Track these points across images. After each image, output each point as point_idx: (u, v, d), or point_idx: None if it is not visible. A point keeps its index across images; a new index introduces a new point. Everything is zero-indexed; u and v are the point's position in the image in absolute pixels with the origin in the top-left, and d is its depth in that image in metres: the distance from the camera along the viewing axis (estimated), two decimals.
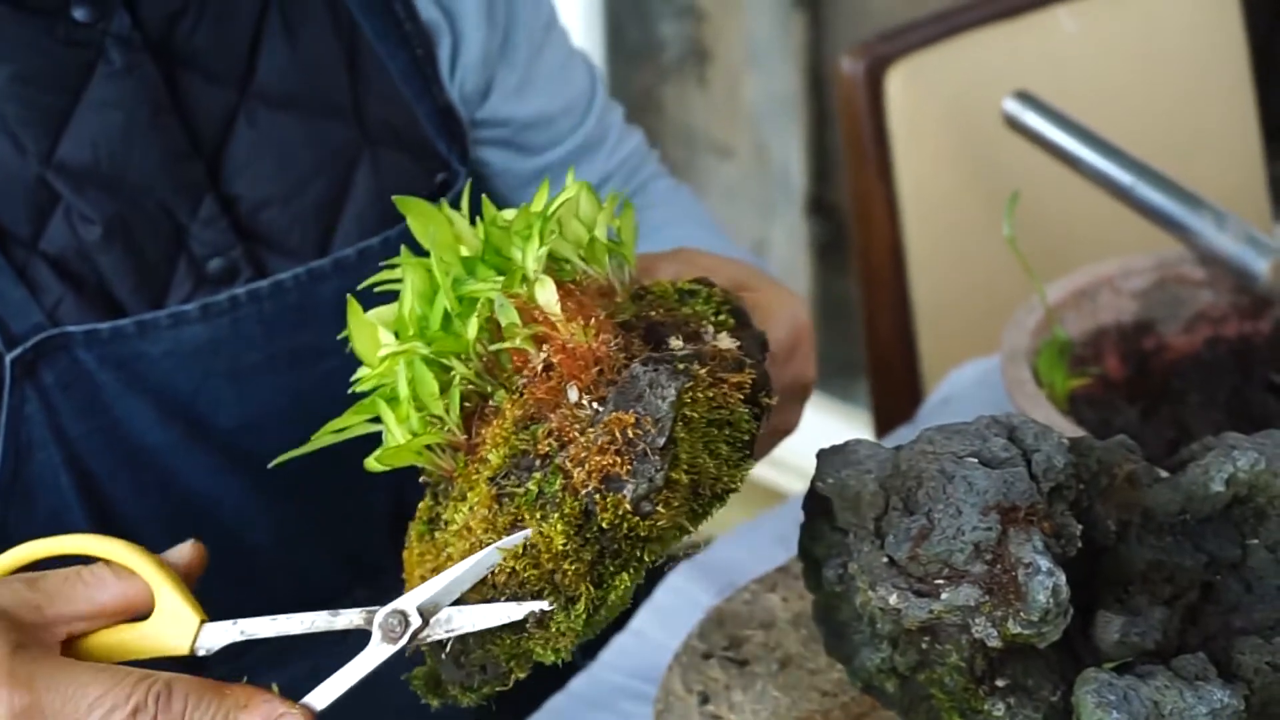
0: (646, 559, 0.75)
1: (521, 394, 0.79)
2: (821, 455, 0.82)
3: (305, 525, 0.92)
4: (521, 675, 0.78)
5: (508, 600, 0.75)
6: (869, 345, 1.74)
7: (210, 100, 1.06)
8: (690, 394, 0.75)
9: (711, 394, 0.77)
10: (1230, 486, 0.81)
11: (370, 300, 0.93)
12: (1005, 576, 0.74)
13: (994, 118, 1.36)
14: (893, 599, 0.76)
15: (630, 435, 0.74)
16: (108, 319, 1.02)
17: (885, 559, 0.77)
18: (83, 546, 0.79)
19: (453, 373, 0.80)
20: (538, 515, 0.75)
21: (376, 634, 0.76)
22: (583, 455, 0.75)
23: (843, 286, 2.92)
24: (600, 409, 0.76)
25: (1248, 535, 0.82)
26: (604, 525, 0.74)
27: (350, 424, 0.83)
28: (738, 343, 0.81)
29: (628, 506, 0.74)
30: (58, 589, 0.77)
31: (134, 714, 0.71)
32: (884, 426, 1.73)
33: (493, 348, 0.80)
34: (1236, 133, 1.87)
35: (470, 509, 0.78)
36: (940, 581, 0.75)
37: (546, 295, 0.79)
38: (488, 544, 0.76)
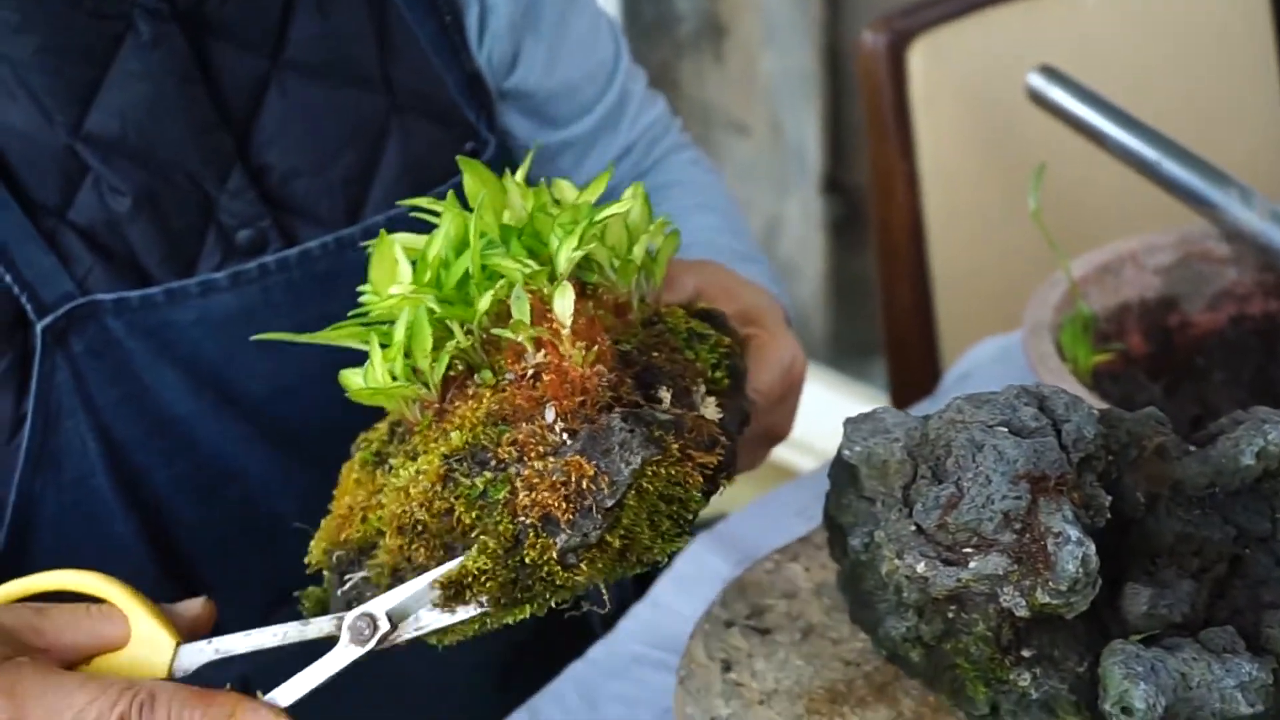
0: (551, 602, 0.77)
1: (504, 389, 0.79)
2: (849, 423, 0.81)
3: (327, 496, 0.91)
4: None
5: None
6: (887, 321, 1.74)
7: (241, 70, 1.05)
8: (654, 467, 0.76)
9: (674, 471, 0.77)
10: (1260, 460, 0.81)
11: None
12: (1034, 546, 0.74)
13: (1015, 93, 1.35)
14: (920, 567, 0.76)
15: (584, 486, 0.75)
16: (137, 289, 1.02)
17: (913, 527, 0.77)
18: (56, 582, 0.79)
19: (451, 338, 0.81)
20: (472, 514, 0.76)
21: (345, 636, 0.77)
22: (535, 480, 0.75)
23: (856, 264, 2.92)
24: (568, 442, 0.76)
25: (1277, 509, 0.82)
26: (526, 560, 0.75)
27: (338, 339, 0.84)
28: (720, 414, 0.81)
29: (554, 555, 0.75)
30: (65, 619, 0.77)
31: None
32: (901, 403, 1.72)
33: (494, 330, 0.80)
34: (1263, 108, 1.86)
35: (416, 473, 0.79)
36: (969, 550, 0.75)
37: (563, 305, 0.78)
38: (419, 517, 0.78)
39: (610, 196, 1.30)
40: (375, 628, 0.77)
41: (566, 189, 0.91)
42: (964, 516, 0.75)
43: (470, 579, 0.76)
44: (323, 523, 0.86)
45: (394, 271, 0.83)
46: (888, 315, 1.73)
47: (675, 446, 0.77)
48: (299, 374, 1.07)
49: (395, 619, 0.77)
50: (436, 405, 0.81)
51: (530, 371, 0.78)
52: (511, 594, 0.76)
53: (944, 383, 1.43)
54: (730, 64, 2.88)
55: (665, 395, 0.80)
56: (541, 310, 0.79)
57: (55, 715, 0.71)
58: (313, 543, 0.85)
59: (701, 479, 0.78)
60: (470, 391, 0.80)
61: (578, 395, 0.77)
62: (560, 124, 1.26)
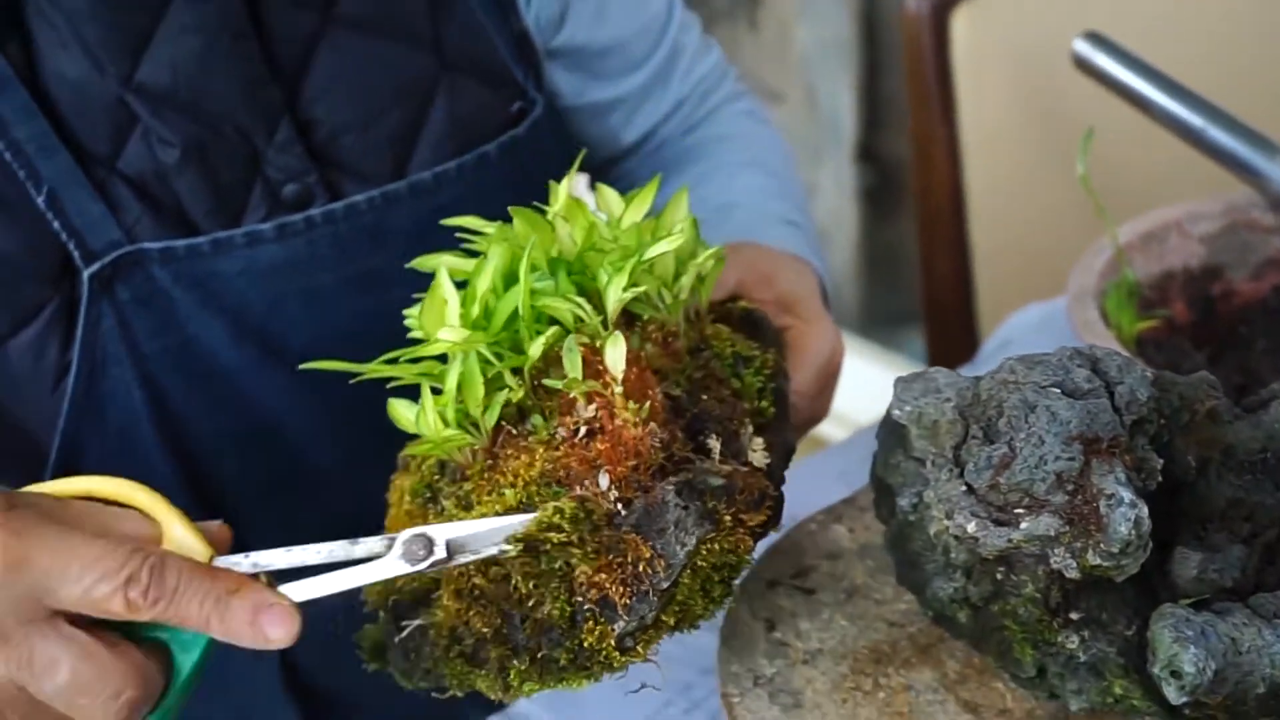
0: (598, 676, 0.77)
1: (557, 447, 0.78)
2: (899, 382, 0.81)
3: (368, 448, 0.92)
4: (459, 695, 0.81)
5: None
6: (925, 288, 1.73)
7: (292, 24, 1.05)
8: (708, 544, 0.76)
9: (727, 543, 0.77)
10: None
11: (446, 229, 0.93)
12: (1086, 507, 0.74)
13: (1057, 59, 1.34)
14: (971, 527, 0.75)
15: (640, 569, 0.75)
16: (184, 239, 1.02)
17: (964, 487, 0.77)
18: (91, 487, 0.79)
19: (503, 383, 0.80)
20: (529, 584, 0.77)
21: (396, 551, 0.76)
22: (590, 555, 0.75)
23: (889, 234, 2.91)
24: (623, 511, 0.76)
25: None
26: (585, 644, 0.76)
27: (391, 372, 0.83)
28: (768, 459, 0.81)
29: (612, 641, 0.75)
30: (84, 510, 0.77)
31: (126, 583, 0.71)
32: None
33: (546, 382, 0.80)
34: None
35: None
36: (1020, 511, 0.75)
37: (615, 356, 0.78)
38: (476, 582, 0.78)
39: (660, 149, 1.31)
40: (431, 551, 0.76)
41: (613, 200, 0.90)
42: (1016, 477, 0.75)
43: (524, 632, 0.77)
44: None
45: (444, 310, 0.82)
46: (926, 283, 1.72)
47: (728, 517, 0.77)
48: (342, 329, 1.07)
49: (453, 549, 0.76)
50: (488, 449, 0.81)
51: (582, 429, 0.78)
52: (566, 671, 0.77)
53: (984, 350, 1.42)
54: (765, 32, 2.87)
55: (715, 444, 0.80)
56: (593, 361, 0.79)
57: (62, 564, 0.71)
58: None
59: (752, 541, 0.79)
60: (522, 441, 0.80)
61: (630, 459, 0.77)
62: (610, 79, 1.26)
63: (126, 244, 1.01)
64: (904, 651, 0.87)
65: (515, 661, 0.77)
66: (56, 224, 0.99)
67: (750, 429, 0.82)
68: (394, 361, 0.83)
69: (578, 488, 0.77)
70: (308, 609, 0.76)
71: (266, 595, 0.74)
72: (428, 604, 0.81)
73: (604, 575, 0.75)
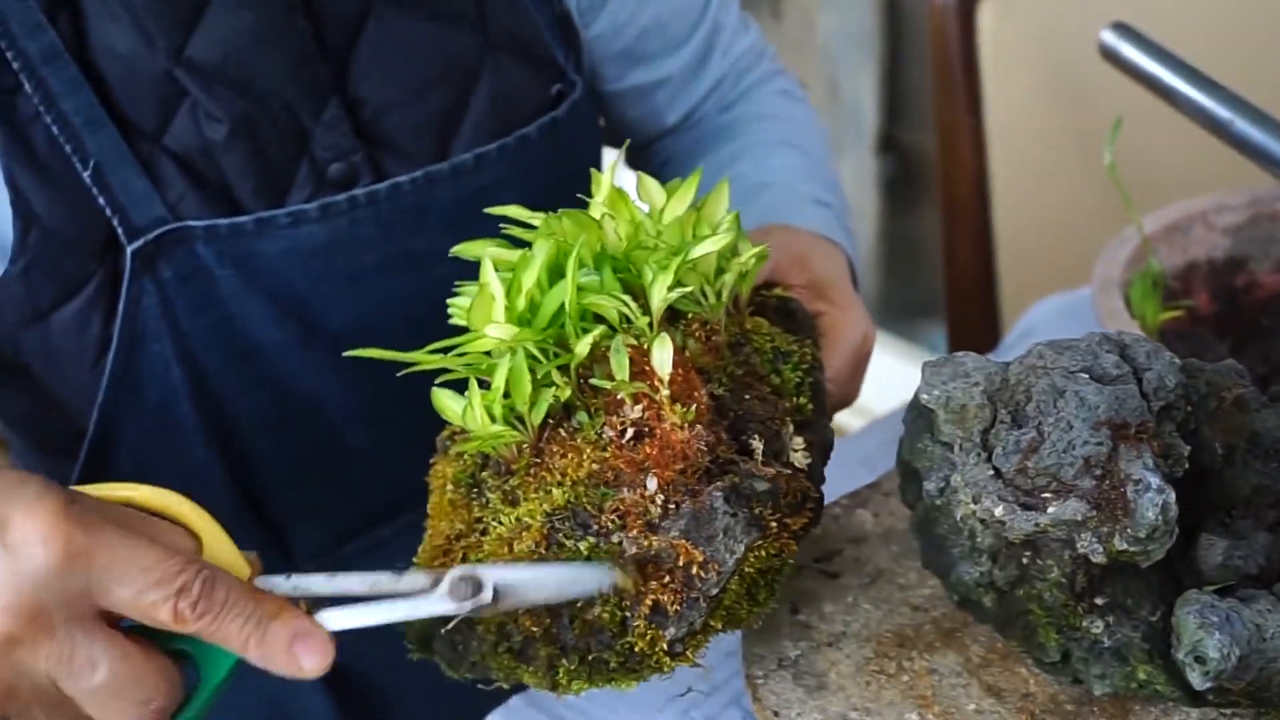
0: (646, 677, 0.78)
1: (604, 447, 0.79)
2: (928, 366, 0.81)
3: (403, 430, 0.92)
4: (505, 687, 0.82)
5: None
6: (948, 278, 1.73)
7: (340, 2, 1.05)
8: (755, 550, 0.77)
9: (773, 548, 0.78)
10: None
11: (484, 206, 0.93)
12: (1114, 493, 0.74)
13: (1083, 50, 1.34)
14: (998, 511, 0.76)
15: (693, 574, 0.76)
16: (228, 217, 1.03)
17: (991, 471, 0.77)
18: (137, 495, 0.78)
19: (550, 382, 0.80)
20: None
21: (443, 588, 0.75)
22: (639, 558, 0.76)
23: (909, 225, 2.91)
24: (670, 515, 0.77)
25: None
26: (635, 649, 0.77)
27: (436, 363, 0.83)
28: (808, 460, 0.82)
29: (664, 646, 0.76)
30: (131, 517, 0.76)
31: (179, 592, 0.71)
32: None
33: (593, 381, 0.80)
34: None
35: (517, 521, 0.80)
36: (1047, 495, 0.75)
37: (661, 358, 0.79)
38: None
39: (696, 125, 1.31)
40: (478, 593, 0.75)
41: (655, 191, 0.90)
42: (1044, 461, 0.75)
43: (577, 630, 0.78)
44: (423, 544, 0.85)
45: (491, 305, 0.82)
46: (949, 272, 1.72)
47: (774, 523, 0.78)
48: (382, 309, 1.08)
49: (500, 593, 0.75)
50: (534, 445, 0.81)
51: (630, 430, 0.79)
52: (616, 672, 0.78)
53: (1006, 339, 1.42)
54: (788, 21, 2.87)
55: (758, 445, 0.80)
56: (640, 361, 0.79)
57: (121, 566, 0.70)
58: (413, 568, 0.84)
59: (795, 545, 0.80)
60: (568, 439, 0.80)
61: (678, 463, 0.77)
62: (654, 60, 1.26)
63: (170, 221, 1.01)
64: (928, 635, 0.88)
65: (564, 660, 0.78)
66: (101, 199, 0.99)
67: (791, 428, 0.82)
68: (441, 352, 0.83)
69: (625, 490, 0.77)
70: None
71: (304, 623, 0.73)
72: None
73: (654, 582, 0.76)
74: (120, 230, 1.00)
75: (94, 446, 1.05)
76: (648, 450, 0.78)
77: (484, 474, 0.84)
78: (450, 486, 0.85)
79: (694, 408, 0.78)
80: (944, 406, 0.80)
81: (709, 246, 0.83)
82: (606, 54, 1.23)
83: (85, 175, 0.99)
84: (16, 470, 0.74)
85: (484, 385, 0.82)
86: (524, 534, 0.79)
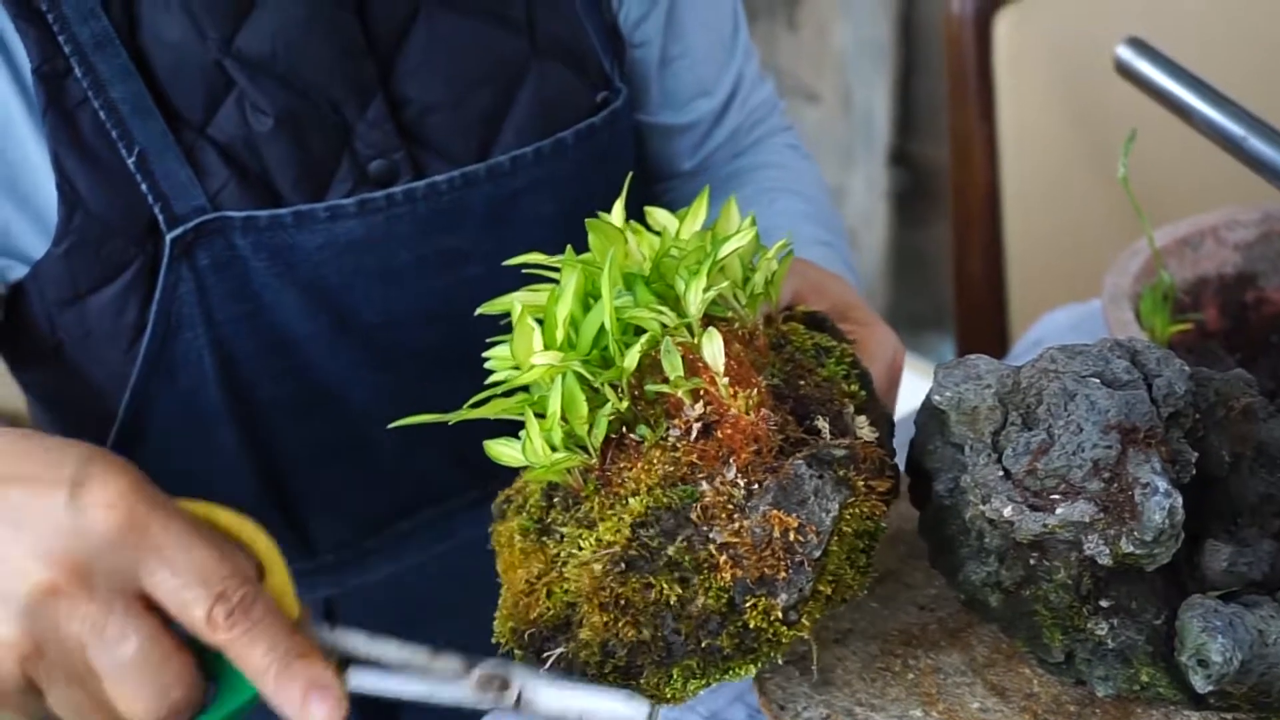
0: (764, 658, 0.77)
1: (673, 448, 0.78)
2: (940, 368, 0.83)
3: (428, 427, 0.92)
4: None
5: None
6: (958, 288, 1.74)
7: (390, 1, 1.06)
8: (850, 509, 0.77)
9: (864, 508, 0.78)
10: None
11: (519, 209, 0.94)
12: (1121, 495, 0.75)
13: (1098, 64, 1.35)
14: (1007, 511, 0.77)
15: (791, 540, 0.75)
16: (267, 209, 1.04)
17: (1001, 472, 0.78)
18: (216, 516, 0.78)
19: (603, 401, 0.80)
20: (675, 585, 0.76)
21: (473, 678, 0.74)
22: (733, 542, 0.75)
23: (918, 238, 2.92)
24: (753, 495, 0.76)
25: None
26: (750, 625, 0.76)
27: (493, 413, 0.82)
28: (876, 433, 0.82)
29: (779, 614, 0.75)
30: (203, 524, 0.77)
31: (217, 598, 0.71)
32: None
33: (649, 388, 0.80)
34: None
35: (597, 540, 0.78)
36: (1056, 497, 0.76)
37: (712, 351, 0.79)
38: (619, 592, 0.76)
39: (705, 172, 1.33)
40: (502, 692, 0.74)
41: (665, 218, 0.89)
42: (1054, 463, 0.76)
43: (682, 623, 0.77)
44: (501, 600, 0.83)
45: (530, 339, 0.81)
46: (959, 283, 1.73)
47: (861, 483, 0.78)
48: (413, 307, 1.09)
49: (523, 701, 0.74)
50: (599, 470, 0.80)
51: (696, 425, 0.78)
52: (732, 661, 0.77)
53: (1015, 349, 1.44)
54: (804, 32, 2.88)
55: (824, 425, 0.80)
56: (693, 360, 0.79)
57: (175, 550, 0.70)
58: (497, 622, 0.83)
59: (884, 507, 0.79)
60: (633, 451, 0.80)
61: (751, 445, 0.77)
62: (684, 105, 1.28)
63: (210, 210, 1.02)
64: (933, 635, 0.89)
65: (673, 660, 0.77)
66: (144, 186, 1.00)
67: (851, 409, 0.83)
68: (483, 403, 0.82)
69: (704, 484, 0.77)
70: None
71: (328, 675, 0.72)
72: (567, 629, 0.79)
73: (755, 556, 0.75)
74: (161, 218, 1.01)
75: (123, 430, 1.06)
76: (721, 436, 0.77)
77: (551, 515, 0.82)
78: (518, 537, 0.83)
79: (755, 392, 0.78)
80: (956, 408, 0.81)
81: (735, 244, 0.83)
82: (636, 77, 1.24)
83: (130, 162, 1.00)
84: (103, 448, 0.75)
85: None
86: (605, 550, 0.77)
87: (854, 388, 0.85)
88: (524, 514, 0.84)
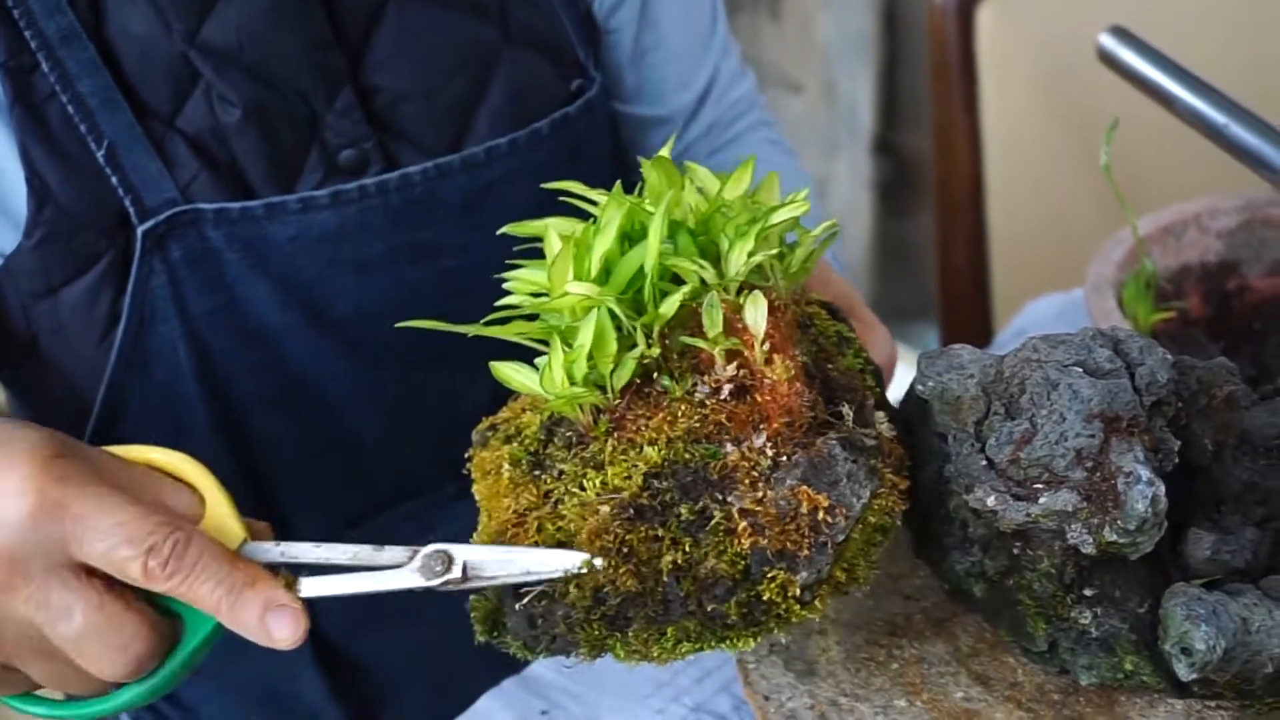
0: (767, 631, 0.75)
1: (702, 404, 0.77)
2: (923, 358, 0.82)
3: (408, 418, 0.92)
4: (589, 662, 0.78)
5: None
6: (942, 278, 1.74)
7: None
8: (877, 499, 0.76)
9: (888, 501, 0.77)
10: None
11: (494, 200, 0.93)
12: (1104, 484, 0.75)
13: (1081, 53, 1.35)
14: (990, 501, 0.77)
15: (820, 519, 0.74)
16: (239, 201, 1.03)
17: (984, 461, 0.78)
18: (153, 458, 0.80)
19: (633, 345, 0.78)
20: (685, 541, 0.74)
21: (415, 563, 0.76)
22: (755, 510, 0.74)
23: (902, 228, 2.92)
24: (780, 466, 0.75)
25: None
26: (763, 596, 0.74)
27: (513, 333, 0.81)
28: (894, 430, 0.82)
29: (795, 593, 0.74)
30: (141, 475, 0.78)
31: (148, 552, 0.72)
32: None
33: (682, 339, 0.78)
34: None
35: (603, 483, 0.77)
36: (1039, 486, 0.76)
37: (756, 315, 0.77)
38: (625, 538, 0.75)
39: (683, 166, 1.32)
40: (448, 570, 0.76)
41: (707, 178, 0.87)
42: (1037, 452, 0.76)
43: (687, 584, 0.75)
44: (481, 524, 0.81)
45: (568, 266, 0.79)
46: (943, 273, 1.73)
47: (888, 474, 0.77)
48: (388, 298, 1.08)
49: (469, 572, 0.76)
50: (615, 413, 0.79)
51: (728, 386, 0.77)
52: (734, 631, 0.75)
53: (999, 338, 1.44)
54: (787, 22, 2.88)
55: (848, 412, 0.79)
56: (733, 320, 0.77)
57: (93, 520, 0.72)
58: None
59: (902, 505, 0.79)
60: (653, 401, 0.78)
61: (784, 416, 0.76)
62: (661, 97, 1.27)
63: (181, 202, 1.02)
64: (918, 624, 0.89)
65: (669, 619, 0.75)
66: (114, 179, 1.00)
67: (871, 402, 0.82)
68: (502, 322, 0.81)
69: (729, 445, 0.76)
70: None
71: (279, 594, 0.74)
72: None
73: (777, 527, 0.74)
74: (132, 210, 1.01)
75: (100, 423, 1.06)
76: (759, 404, 0.76)
77: (549, 450, 0.80)
78: (508, 466, 0.81)
79: (791, 363, 0.77)
80: (939, 397, 0.81)
81: (789, 213, 0.81)
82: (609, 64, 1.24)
83: (99, 155, 1.00)
84: (19, 422, 0.76)
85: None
86: (614, 495, 0.76)
87: (870, 383, 0.84)
88: (516, 444, 0.82)
